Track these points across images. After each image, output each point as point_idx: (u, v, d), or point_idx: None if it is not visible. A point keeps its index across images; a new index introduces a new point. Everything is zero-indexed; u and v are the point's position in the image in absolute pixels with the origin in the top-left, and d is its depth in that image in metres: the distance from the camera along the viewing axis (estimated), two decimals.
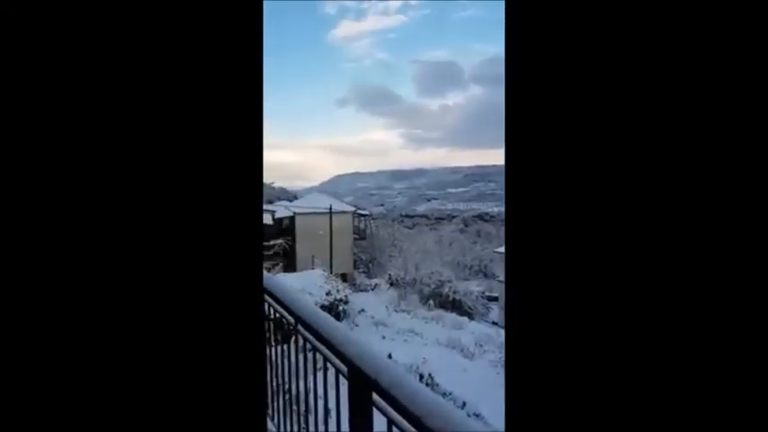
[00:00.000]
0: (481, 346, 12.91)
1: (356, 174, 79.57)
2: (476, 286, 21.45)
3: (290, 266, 18.62)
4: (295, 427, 1.89)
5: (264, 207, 18.82)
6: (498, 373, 10.39)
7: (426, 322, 15.05)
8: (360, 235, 24.00)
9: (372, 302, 16.22)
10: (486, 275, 25.31)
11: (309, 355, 1.66)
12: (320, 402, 1.61)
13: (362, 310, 14.55)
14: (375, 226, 27.58)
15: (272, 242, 18.43)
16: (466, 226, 42.94)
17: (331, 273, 15.97)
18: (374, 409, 1.19)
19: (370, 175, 78.20)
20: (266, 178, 28.30)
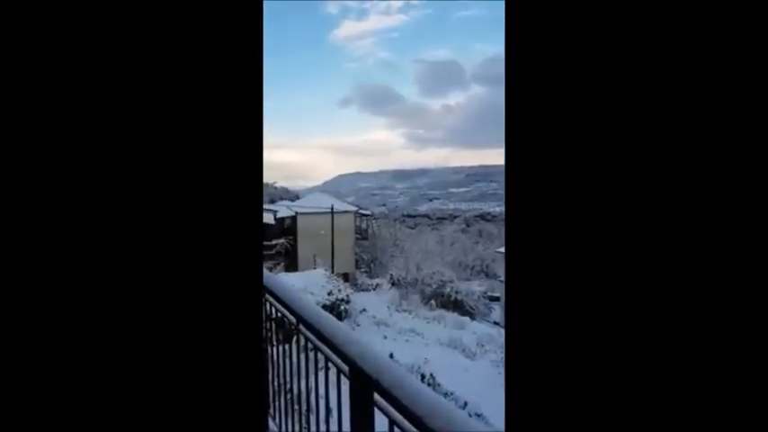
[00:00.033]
0: (483, 346, 12.90)
1: (358, 173, 79.67)
2: (477, 286, 21.43)
3: (292, 266, 18.63)
4: (296, 427, 1.89)
5: (266, 207, 18.86)
6: (500, 374, 10.37)
7: (428, 322, 15.04)
8: (361, 235, 24.01)
9: (374, 302, 16.22)
10: (487, 275, 25.29)
11: (311, 355, 1.66)
12: (321, 402, 1.61)
13: (364, 310, 14.55)
14: (377, 226, 27.59)
15: (273, 242, 18.44)
16: (468, 226, 42.92)
17: (333, 272, 15.98)
18: (375, 409, 1.19)
19: (372, 174, 78.28)
20: (268, 178, 28.40)
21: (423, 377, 8.80)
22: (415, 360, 9.72)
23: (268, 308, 2.02)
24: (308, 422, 1.83)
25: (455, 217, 51.30)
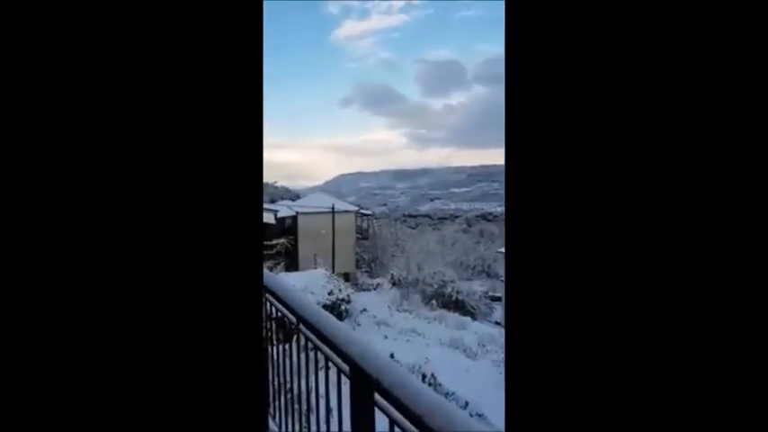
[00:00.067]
0: (484, 346, 12.89)
1: (359, 173, 79.70)
2: (479, 286, 21.41)
3: (293, 266, 18.64)
4: (297, 426, 1.89)
5: (267, 206, 18.87)
6: (501, 374, 10.36)
7: (429, 322, 15.04)
8: (362, 234, 24.01)
9: (375, 302, 16.23)
10: (489, 275, 25.28)
11: (311, 355, 1.66)
12: (322, 402, 1.60)
13: (365, 310, 14.56)
14: (378, 225, 27.60)
15: (274, 241, 18.46)
16: (469, 226, 42.93)
17: (333, 272, 15.98)
18: (376, 408, 1.18)
19: (373, 174, 78.30)
20: (269, 177, 28.45)
21: (423, 377, 8.80)
22: (416, 360, 9.72)
23: (268, 307, 2.02)
24: (308, 422, 1.83)
25: (456, 217, 51.31)
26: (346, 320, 12.81)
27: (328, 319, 1.52)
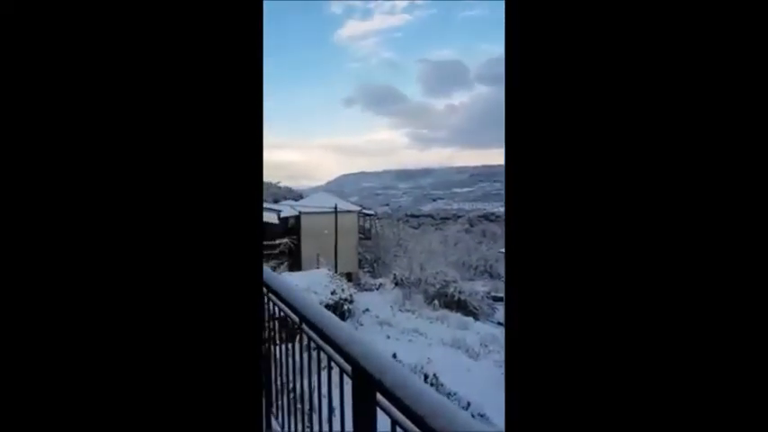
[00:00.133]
0: (486, 346, 12.87)
1: (361, 173, 79.68)
2: (481, 286, 21.36)
3: (296, 265, 18.66)
4: (299, 426, 1.89)
5: (270, 206, 18.89)
6: (503, 374, 10.31)
7: (431, 322, 15.03)
8: (365, 234, 24.01)
9: (377, 302, 16.22)
10: (491, 276, 25.24)
11: (314, 354, 1.66)
12: (324, 401, 1.61)
13: (367, 310, 14.56)
14: (380, 225, 27.59)
15: (277, 241, 18.48)
16: (471, 226, 42.87)
17: (336, 272, 15.99)
18: (378, 408, 1.19)
19: (376, 174, 78.27)
20: (273, 177, 28.48)
21: (426, 377, 8.79)
22: (418, 360, 9.71)
23: (271, 307, 2.03)
24: (310, 421, 1.83)
25: (459, 217, 51.25)
26: (349, 320, 12.81)
27: (331, 318, 1.52)
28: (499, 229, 37.01)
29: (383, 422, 1.15)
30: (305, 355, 1.74)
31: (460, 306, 18.02)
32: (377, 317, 14.30)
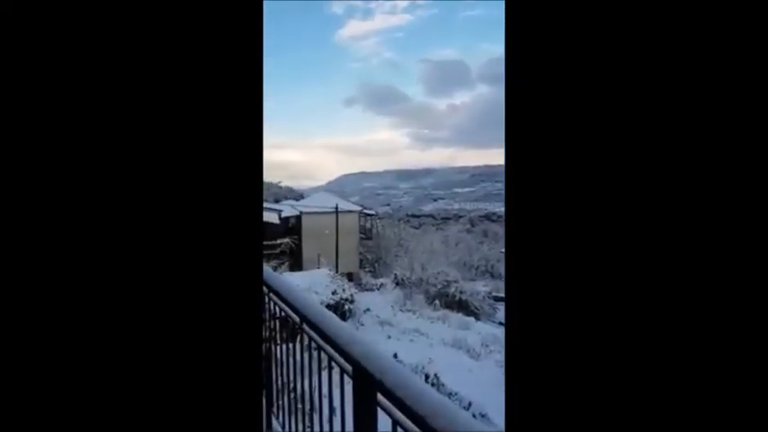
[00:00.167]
0: (487, 346, 12.87)
1: (362, 173, 79.78)
2: (482, 286, 21.37)
3: (297, 265, 18.67)
4: (300, 426, 1.89)
5: (271, 206, 18.91)
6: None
7: (432, 322, 15.03)
8: (366, 234, 24.02)
9: (378, 302, 16.22)
10: (492, 276, 25.24)
11: (315, 354, 1.66)
12: (325, 401, 1.61)
13: (368, 310, 14.56)
14: (381, 225, 27.60)
15: (278, 241, 18.49)
16: (472, 226, 42.89)
17: (337, 272, 16.00)
18: (379, 409, 1.18)
19: (377, 174, 78.36)
20: (273, 177, 28.52)
21: (427, 377, 8.79)
22: (419, 360, 9.71)
23: (272, 307, 2.03)
24: (311, 421, 1.83)
25: (460, 217, 51.28)
26: (350, 320, 12.82)
27: (331, 318, 1.52)
28: (500, 229, 36.99)
29: (384, 422, 1.15)
30: (306, 355, 1.74)
31: (462, 306, 18.02)
32: (378, 317, 14.30)
